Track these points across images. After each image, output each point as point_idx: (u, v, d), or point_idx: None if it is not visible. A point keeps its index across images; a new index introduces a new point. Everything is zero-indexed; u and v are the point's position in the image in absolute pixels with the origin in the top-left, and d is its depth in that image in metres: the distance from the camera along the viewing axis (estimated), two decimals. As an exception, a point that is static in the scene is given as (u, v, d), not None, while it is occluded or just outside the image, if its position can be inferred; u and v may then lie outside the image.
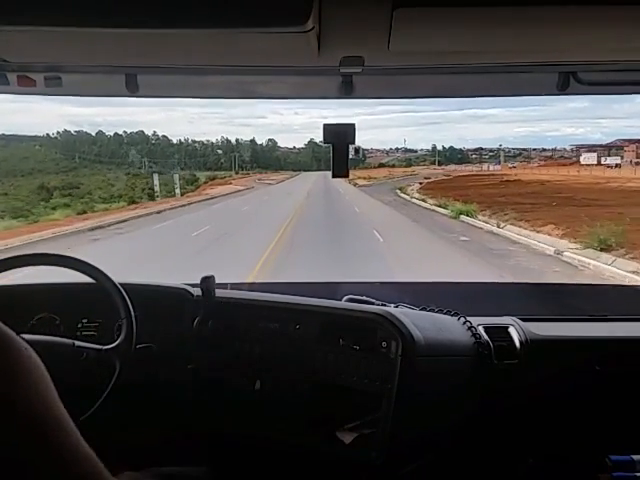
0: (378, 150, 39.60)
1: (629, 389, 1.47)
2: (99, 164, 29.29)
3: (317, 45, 0.88)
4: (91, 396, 1.24)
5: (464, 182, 25.04)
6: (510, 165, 33.40)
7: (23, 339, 0.58)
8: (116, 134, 32.25)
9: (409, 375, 1.28)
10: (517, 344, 1.45)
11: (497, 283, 3.64)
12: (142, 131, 32.79)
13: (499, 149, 36.37)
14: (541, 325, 1.54)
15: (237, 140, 35.59)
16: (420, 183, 26.01)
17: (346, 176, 1.22)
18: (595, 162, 27.74)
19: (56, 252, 1.41)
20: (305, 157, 37.15)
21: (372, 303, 1.51)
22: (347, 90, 1.23)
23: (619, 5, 0.77)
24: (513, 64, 1.08)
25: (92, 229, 13.41)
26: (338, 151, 1.20)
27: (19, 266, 1.33)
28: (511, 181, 24.27)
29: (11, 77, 1.12)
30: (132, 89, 1.19)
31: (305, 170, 34.90)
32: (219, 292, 1.49)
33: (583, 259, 8.10)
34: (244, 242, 10.46)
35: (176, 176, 24.64)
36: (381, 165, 37.62)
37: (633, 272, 6.96)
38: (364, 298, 1.53)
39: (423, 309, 1.55)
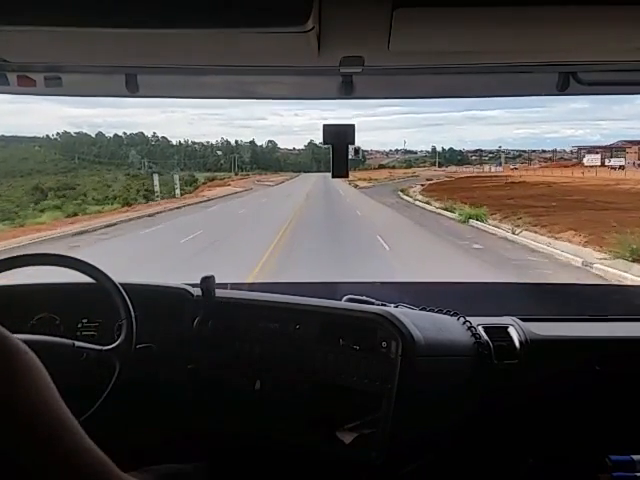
0: (378, 151, 39.79)
1: (629, 389, 1.47)
2: (98, 165, 29.35)
3: (317, 45, 0.88)
4: (91, 396, 1.24)
5: (468, 184, 24.77)
6: (512, 167, 33.39)
7: (22, 340, 0.58)
8: (116, 135, 32.47)
9: (409, 375, 1.28)
10: (517, 344, 1.44)
11: (497, 283, 3.63)
12: (142, 132, 33.02)
13: (499, 150, 36.49)
14: (541, 325, 1.54)
15: (237, 141, 35.76)
16: (422, 185, 25.79)
17: (346, 176, 1.23)
18: (599, 163, 27.73)
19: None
20: (305, 158, 37.25)
21: (372, 303, 1.51)
22: (347, 90, 1.23)
23: (619, 5, 0.77)
24: (513, 64, 1.08)
25: (77, 234, 12.51)
26: (338, 151, 1.20)
27: (19, 266, 1.33)
28: (516, 183, 24.01)
29: (11, 77, 1.12)
30: (132, 89, 1.19)
31: (305, 171, 34.99)
32: (219, 292, 1.49)
33: (617, 272, 7.15)
34: (237, 251, 9.85)
35: (176, 176, 24.69)
36: (381, 166, 37.71)
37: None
38: (364, 298, 1.53)
39: (423, 309, 1.55)
